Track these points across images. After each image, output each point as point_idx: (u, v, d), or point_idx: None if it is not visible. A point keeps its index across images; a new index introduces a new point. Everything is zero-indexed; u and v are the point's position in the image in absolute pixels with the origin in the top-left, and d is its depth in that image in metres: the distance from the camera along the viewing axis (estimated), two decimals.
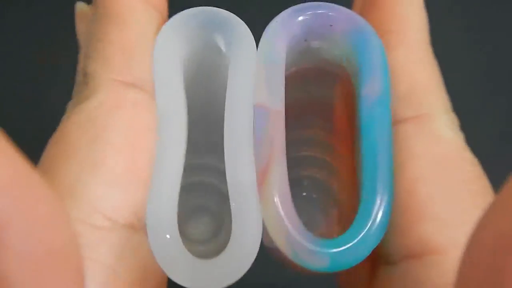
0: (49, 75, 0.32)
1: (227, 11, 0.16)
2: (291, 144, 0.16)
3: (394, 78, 0.15)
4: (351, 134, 0.16)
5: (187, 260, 0.14)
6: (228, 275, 0.14)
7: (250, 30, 0.16)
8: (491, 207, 0.09)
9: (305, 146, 0.19)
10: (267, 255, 0.16)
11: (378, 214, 0.14)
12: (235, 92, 0.15)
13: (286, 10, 0.16)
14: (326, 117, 0.19)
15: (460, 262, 0.10)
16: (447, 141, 0.15)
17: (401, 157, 0.15)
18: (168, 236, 0.14)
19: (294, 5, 0.16)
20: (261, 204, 0.14)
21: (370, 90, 0.15)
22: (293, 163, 0.16)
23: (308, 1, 0.16)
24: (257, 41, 0.16)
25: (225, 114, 0.15)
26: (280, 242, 0.14)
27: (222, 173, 0.15)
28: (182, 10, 0.16)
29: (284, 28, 0.16)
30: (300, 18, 0.16)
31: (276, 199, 0.14)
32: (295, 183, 0.15)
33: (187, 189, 0.16)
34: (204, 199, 0.14)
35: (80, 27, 0.17)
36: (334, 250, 0.14)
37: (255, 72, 0.15)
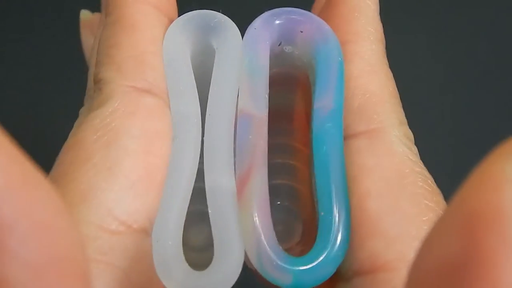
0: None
1: (221, 14, 0.16)
2: (268, 151, 0.15)
3: (348, 90, 0.15)
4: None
5: (183, 270, 0.14)
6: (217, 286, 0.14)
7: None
8: (433, 230, 0.09)
9: (278, 153, 0.19)
10: None
11: (338, 234, 0.14)
12: (217, 96, 0.15)
13: (263, 14, 0.16)
14: (295, 123, 0.19)
15: (406, 282, 0.09)
16: (399, 156, 0.15)
17: (353, 172, 0.15)
18: (170, 242, 0.14)
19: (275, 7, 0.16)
20: (239, 213, 0.14)
21: (323, 104, 0.15)
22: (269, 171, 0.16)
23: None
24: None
25: (206, 117, 0.15)
26: (250, 252, 0.14)
27: None
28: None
29: (264, 31, 0.16)
30: (277, 22, 0.16)
31: (254, 210, 0.14)
32: (270, 191, 0.15)
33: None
34: (203, 205, 0.15)
35: (85, 35, 0.18)
36: (298, 268, 0.14)
37: (239, 75, 0.16)
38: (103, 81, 0.15)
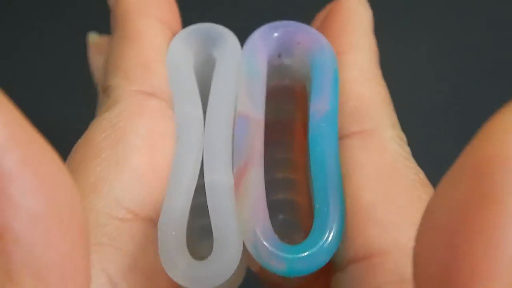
0: None
1: (222, 26, 0.17)
2: (266, 168, 0.16)
3: (343, 96, 0.16)
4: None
5: (185, 260, 0.14)
6: (214, 277, 0.14)
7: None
8: (444, 179, 0.09)
9: (278, 168, 0.19)
10: None
11: (333, 224, 0.15)
12: (216, 98, 0.16)
13: (262, 27, 0.17)
14: (295, 136, 0.19)
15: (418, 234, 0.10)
16: (391, 152, 0.15)
17: (347, 167, 0.15)
18: (174, 233, 0.14)
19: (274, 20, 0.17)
20: (237, 204, 0.15)
21: (318, 107, 0.16)
22: (269, 186, 0.16)
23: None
24: None
25: (206, 119, 0.16)
26: (247, 241, 0.14)
27: None
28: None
29: (263, 42, 0.17)
30: (275, 34, 0.17)
31: (249, 201, 0.15)
32: (272, 206, 0.16)
33: (197, 209, 0.16)
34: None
35: (93, 56, 0.19)
36: (293, 255, 0.14)
37: (237, 80, 0.16)
38: (110, 87, 0.16)
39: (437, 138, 0.33)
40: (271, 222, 0.15)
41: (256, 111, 0.16)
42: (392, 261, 0.14)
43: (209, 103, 0.16)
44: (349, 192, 0.15)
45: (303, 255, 0.14)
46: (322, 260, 0.14)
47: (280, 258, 0.14)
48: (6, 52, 0.35)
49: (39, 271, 0.09)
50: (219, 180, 0.15)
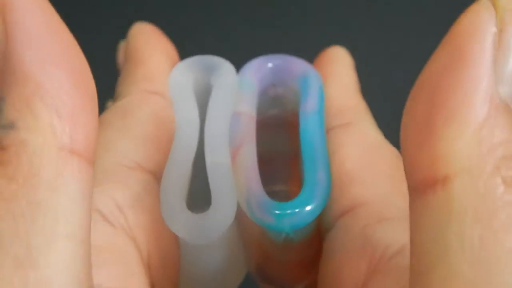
0: None
1: (220, 58, 0.19)
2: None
3: (328, 105, 0.19)
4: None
5: (185, 214, 0.16)
6: (211, 229, 0.15)
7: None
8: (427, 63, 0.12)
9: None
10: None
11: (321, 183, 0.16)
12: (215, 105, 0.18)
13: (257, 58, 0.19)
14: (290, 167, 0.20)
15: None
16: (371, 136, 0.18)
17: (333, 148, 0.17)
18: (175, 188, 0.16)
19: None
20: (233, 172, 0.17)
21: (307, 108, 0.18)
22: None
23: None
24: None
25: (206, 121, 0.18)
26: (241, 198, 0.16)
27: None
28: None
29: (257, 70, 0.19)
30: (269, 65, 0.19)
31: (244, 167, 0.16)
32: None
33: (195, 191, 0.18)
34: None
35: (121, 58, 0.21)
36: (281, 211, 0.16)
37: (234, 95, 0.18)
38: (120, 92, 0.19)
39: None
40: None
41: (248, 109, 0.18)
42: (373, 208, 0.16)
43: (207, 115, 0.18)
44: (335, 163, 0.17)
45: (290, 211, 0.16)
46: (307, 216, 0.16)
47: (269, 212, 0.16)
48: None
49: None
50: (218, 161, 0.17)
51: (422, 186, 0.11)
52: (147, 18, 0.22)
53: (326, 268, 0.16)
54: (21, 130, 0.11)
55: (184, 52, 0.21)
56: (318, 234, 0.18)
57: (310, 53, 0.22)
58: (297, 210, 0.16)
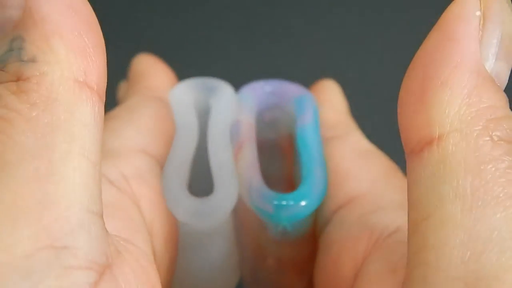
0: None
1: (218, 80, 0.20)
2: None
3: (322, 122, 0.20)
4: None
5: (187, 198, 0.16)
6: (216, 211, 0.16)
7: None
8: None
9: None
10: None
11: (318, 180, 0.17)
12: (217, 114, 0.19)
13: (256, 81, 0.20)
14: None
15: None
16: (364, 144, 0.19)
17: (329, 155, 0.19)
18: (177, 174, 0.17)
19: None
20: (235, 166, 0.18)
21: (304, 120, 0.19)
22: None
23: None
24: None
25: (208, 128, 0.19)
26: (243, 188, 0.17)
27: None
28: None
29: (255, 89, 0.20)
30: (267, 89, 0.20)
31: (245, 162, 0.18)
32: None
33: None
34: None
35: (120, 94, 0.23)
36: (279, 202, 0.16)
37: (232, 111, 0.19)
38: (123, 98, 0.20)
39: None
40: None
41: (247, 117, 0.19)
42: (368, 199, 0.17)
43: (209, 122, 0.19)
44: (331, 166, 0.18)
45: (287, 202, 0.17)
46: (304, 210, 0.17)
47: (268, 201, 0.17)
48: None
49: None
50: (223, 159, 0.18)
51: (418, 146, 0.12)
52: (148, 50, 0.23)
53: (323, 259, 0.17)
54: (41, 63, 0.12)
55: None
56: (313, 238, 0.19)
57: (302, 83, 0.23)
58: (294, 202, 0.16)
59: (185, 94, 0.20)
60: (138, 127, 0.18)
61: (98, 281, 0.12)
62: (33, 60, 0.12)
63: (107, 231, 0.13)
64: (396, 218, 0.16)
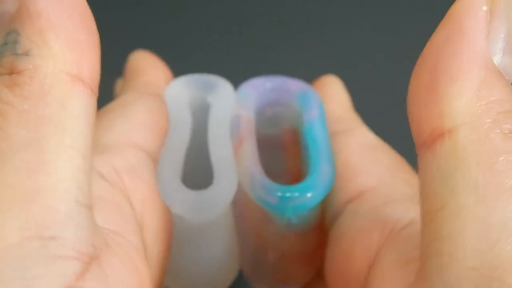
0: None
1: (216, 76, 0.20)
2: None
3: (328, 117, 0.20)
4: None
5: (183, 192, 0.16)
6: (214, 205, 0.16)
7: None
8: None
9: None
10: None
11: (325, 172, 0.17)
12: (216, 111, 0.19)
13: (256, 77, 0.20)
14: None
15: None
16: (371, 137, 0.19)
17: (337, 149, 0.19)
18: (171, 169, 0.17)
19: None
20: (237, 161, 0.17)
21: (309, 116, 0.19)
22: None
23: None
24: None
25: (208, 125, 0.18)
26: (246, 180, 0.17)
27: None
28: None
29: (255, 85, 0.20)
30: (268, 85, 0.20)
31: (246, 157, 0.17)
32: None
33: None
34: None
35: (117, 91, 0.23)
36: (283, 193, 0.16)
37: (232, 106, 0.19)
38: (119, 93, 0.20)
39: None
40: None
41: (246, 112, 0.19)
42: (380, 192, 0.17)
43: (209, 120, 0.19)
44: (340, 160, 0.18)
45: (291, 194, 0.16)
46: (309, 201, 0.16)
47: (272, 193, 0.16)
48: None
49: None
50: (222, 154, 0.18)
51: (430, 139, 0.12)
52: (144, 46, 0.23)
53: (335, 251, 0.17)
54: (35, 57, 0.12)
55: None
56: (319, 230, 0.19)
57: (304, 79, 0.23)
58: (299, 194, 0.16)
59: (181, 90, 0.20)
60: (131, 122, 0.18)
61: (85, 271, 0.12)
62: (27, 54, 0.12)
63: (95, 222, 0.13)
64: (408, 210, 0.16)
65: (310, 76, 0.23)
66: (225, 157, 0.17)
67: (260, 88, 0.20)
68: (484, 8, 0.13)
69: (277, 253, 0.19)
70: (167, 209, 0.17)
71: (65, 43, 0.12)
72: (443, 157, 0.12)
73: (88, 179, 0.13)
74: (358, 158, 0.18)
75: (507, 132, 0.12)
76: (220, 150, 0.18)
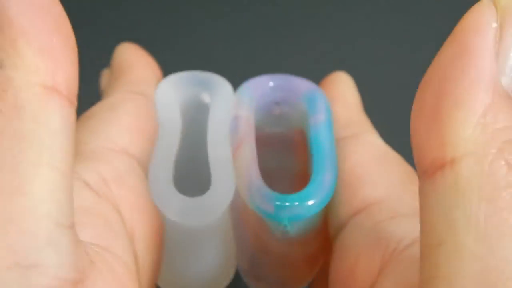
0: None
1: (212, 73, 0.19)
2: None
3: (335, 120, 0.19)
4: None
5: (177, 197, 0.16)
6: (210, 211, 0.16)
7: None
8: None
9: None
10: None
11: (326, 182, 0.17)
12: (215, 112, 0.18)
13: (258, 76, 0.20)
14: (295, 184, 0.21)
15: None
16: (379, 145, 0.19)
17: (343, 156, 0.18)
18: (162, 174, 0.16)
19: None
20: (235, 166, 0.17)
21: (315, 120, 0.18)
22: None
23: None
24: None
25: (208, 126, 0.18)
26: (243, 186, 0.17)
27: None
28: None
29: (256, 85, 0.19)
30: (271, 84, 0.20)
31: (245, 160, 0.17)
32: None
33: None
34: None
35: (103, 82, 0.23)
36: (281, 202, 0.16)
37: (231, 107, 0.19)
38: (106, 91, 0.20)
39: None
40: None
41: (245, 112, 0.19)
42: (386, 205, 0.16)
43: (209, 120, 0.18)
44: (346, 169, 0.18)
45: (289, 203, 0.16)
46: (305, 211, 0.16)
47: (269, 201, 0.16)
48: None
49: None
50: (220, 154, 0.17)
51: (431, 168, 0.12)
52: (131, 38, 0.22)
53: (339, 264, 0.17)
54: (7, 68, 0.12)
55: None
56: (321, 236, 0.18)
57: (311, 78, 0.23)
58: (296, 203, 0.16)
59: (171, 90, 0.19)
60: (118, 126, 0.17)
61: None
62: (0, 66, 0.12)
63: (79, 241, 0.13)
64: (414, 227, 0.15)
65: (314, 74, 0.22)
66: (223, 161, 0.17)
67: (262, 86, 0.20)
68: (494, 24, 0.12)
69: (275, 256, 0.19)
70: (157, 216, 0.17)
71: (38, 52, 0.12)
72: (443, 190, 0.11)
73: (70, 197, 0.12)
74: (365, 167, 0.18)
75: None
76: (218, 154, 0.17)
